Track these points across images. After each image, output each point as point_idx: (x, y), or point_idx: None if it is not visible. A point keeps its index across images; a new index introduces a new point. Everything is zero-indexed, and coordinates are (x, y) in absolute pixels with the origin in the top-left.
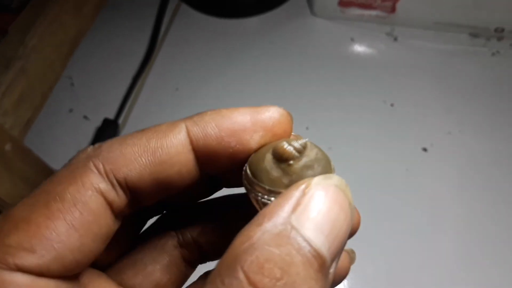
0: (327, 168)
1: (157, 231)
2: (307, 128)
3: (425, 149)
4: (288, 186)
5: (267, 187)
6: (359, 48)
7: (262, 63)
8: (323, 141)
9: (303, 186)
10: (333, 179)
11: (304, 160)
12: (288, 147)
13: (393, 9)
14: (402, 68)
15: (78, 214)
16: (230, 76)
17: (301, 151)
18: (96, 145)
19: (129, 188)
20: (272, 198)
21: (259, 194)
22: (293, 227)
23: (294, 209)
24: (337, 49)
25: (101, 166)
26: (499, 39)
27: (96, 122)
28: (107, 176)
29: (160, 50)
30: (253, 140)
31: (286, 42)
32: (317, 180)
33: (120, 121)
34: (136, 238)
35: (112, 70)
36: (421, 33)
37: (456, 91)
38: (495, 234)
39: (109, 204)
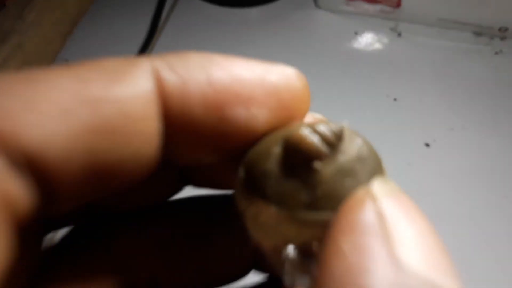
0: (377, 173)
1: (78, 258)
2: None
3: (427, 145)
4: (310, 206)
5: (273, 208)
6: (362, 41)
7: (264, 54)
8: None
9: (371, 205)
10: (393, 184)
11: (340, 160)
12: (311, 137)
13: (398, 4)
14: (405, 63)
15: None
16: None
17: (334, 144)
18: None
19: (44, 177)
20: (291, 247)
21: (262, 219)
22: (417, 278)
23: (391, 248)
24: (340, 42)
25: None
26: (503, 38)
27: None
28: (1, 151)
29: (160, 36)
30: (261, 116)
31: (289, 33)
32: (380, 189)
33: None
34: (39, 266)
35: (110, 55)
36: (425, 30)
37: (459, 88)
38: (498, 230)
39: (10, 205)
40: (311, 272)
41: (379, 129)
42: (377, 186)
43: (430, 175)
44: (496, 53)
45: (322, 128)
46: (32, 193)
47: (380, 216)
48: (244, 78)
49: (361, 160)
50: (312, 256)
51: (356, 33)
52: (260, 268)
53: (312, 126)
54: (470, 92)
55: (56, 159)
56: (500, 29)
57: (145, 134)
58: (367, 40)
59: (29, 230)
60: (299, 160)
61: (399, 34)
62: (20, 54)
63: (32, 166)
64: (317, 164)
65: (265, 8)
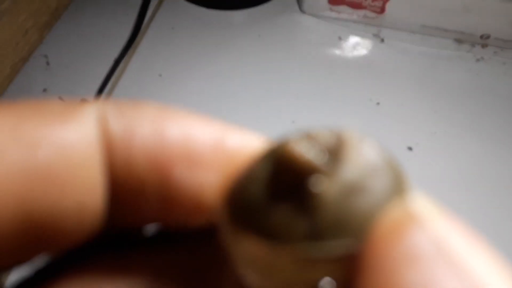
0: (398, 188)
1: None
2: (293, 122)
3: (410, 148)
4: (312, 237)
5: (266, 243)
6: (346, 47)
7: (249, 56)
8: None
9: (420, 229)
10: (427, 203)
11: (345, 175)
12: (303, 148)
13: (382, 10)
14: (388, 68)
15: None
16: (216, 66)
17: (335, 155)
18: None
19: None
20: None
21: (255, 259)
22: None
23: (470, 281)
24: (324, 46)
25: None
26: (484, 46)
27: None
28: None
29: (145, 35)
30: (209, 182)
31: (273, 37)
32: (423, 208)
33: None
34: None
35: (92, 52)
36: (408, 36)
37: (441, 93)
38: (483, 235)
39: None
40: None
41: (363, 132)
42: (418, 204)
43: (414, 179)
44: (478, 60)
45: (318, 136)
46: None
47: (438, 244)
48: (198, 137)
49: (374, 171)
50: None
51: (340, 38)
52: None
53: (305, 135)
54: (452, 97)
55: None
56: (481, 37)
57: (88, 183)
58: (351, 45)
59: None
60: (292, 180)
61: (382, 40)
62: None
63: None
64: (317, 183)
65: (249, 11)
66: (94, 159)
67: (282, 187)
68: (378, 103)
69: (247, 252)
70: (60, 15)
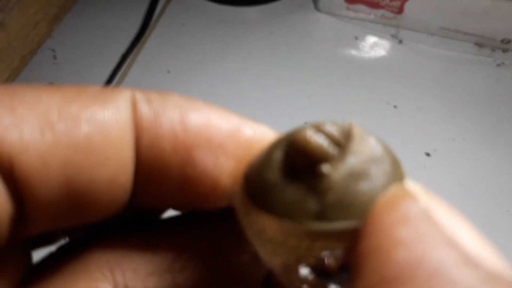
0: (395, 175)
1: (71, 267)
2: (305, 123)
3: (428, 154)
4: (320, 215)
5: (278, 220)
6: (363, 47)
7: (260, 54)
8: None
9: (413, 201)
10: (418, 187)
11: (351, 162)
12: (316, 137)
13: (400, 10)
14: (406, 70)
15: None
16: (226, 64)
17: (342, 145)
18: None
19: (18, 189)
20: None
21: (268, 235)
22: (488, 265)
23: (450, 237)
24: (340, 46)
25: None
26: (505, 50)
27: None
28: None
29: (153, 31)
30: (227, 168)
31: (287, 35)
32: (416, 188)
33: None
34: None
35: (100, 47)
36: (426, 38)
37: (460, 98)
38: (497, 241)
39: None
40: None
41: (379, 135)
42: (411, 186)
43: (430, 185)
44: (498, 65)
45: (328, 128)
46: (7, 207)
47: (426, 210)
48: (217, 125)
49: (375, 161)
50: (328, 271)
51: (356, 38)
52: None
53: (317, 126)
54: (471, 103)
55: (32, 167)
56: (502, 41)
57: (121, 159)
58: (368, 46)
59: (3, 248)
60: (304, 164)
61: (400, 41)
62: (2, 34)
63: (7, 173)
64: (325, 168)
65: (262, 8)
66: (126, 138)
67: (294, 169)
68: (395, 106)
69: (261, 229)
70: (70, 8)
